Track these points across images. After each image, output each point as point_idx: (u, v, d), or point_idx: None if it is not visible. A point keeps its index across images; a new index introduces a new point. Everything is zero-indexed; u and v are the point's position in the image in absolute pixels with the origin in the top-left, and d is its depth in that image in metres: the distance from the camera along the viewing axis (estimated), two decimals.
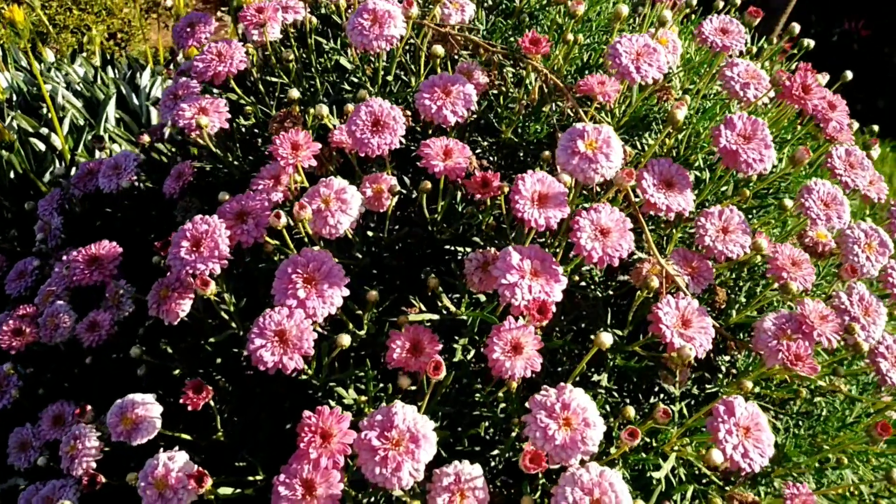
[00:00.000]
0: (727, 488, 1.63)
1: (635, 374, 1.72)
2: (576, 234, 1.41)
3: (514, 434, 1.58)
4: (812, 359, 1.44)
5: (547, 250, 1.48)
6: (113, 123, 4.07)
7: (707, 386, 1.74)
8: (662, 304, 1.50)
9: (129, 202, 2.28)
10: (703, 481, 1.69)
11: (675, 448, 1.61)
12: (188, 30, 2.09)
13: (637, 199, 1.57)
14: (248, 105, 1.92)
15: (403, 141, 1.84)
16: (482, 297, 1.65)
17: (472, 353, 1.70)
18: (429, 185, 1.57)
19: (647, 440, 1.69)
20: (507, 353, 1.37)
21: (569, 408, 1.35)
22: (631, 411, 1.45)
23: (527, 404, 1.38)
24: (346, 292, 1.47)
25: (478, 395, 1.57)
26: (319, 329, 1.60)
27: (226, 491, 1.58)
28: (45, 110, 4.15)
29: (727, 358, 1.82)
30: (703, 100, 2.05)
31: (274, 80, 2.00)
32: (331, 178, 1.55)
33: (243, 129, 1.95)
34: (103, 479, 1.67)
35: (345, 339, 1.44)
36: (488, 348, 1.38)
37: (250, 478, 1.67)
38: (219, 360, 1.74)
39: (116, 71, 4.83)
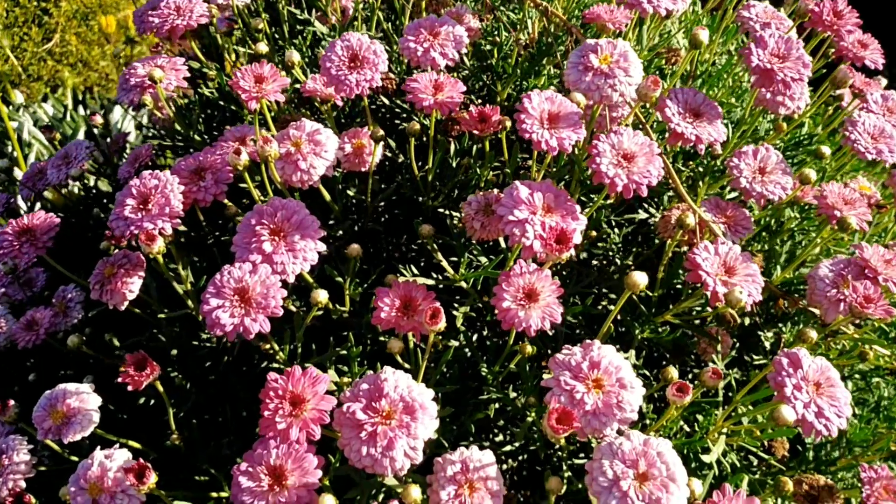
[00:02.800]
0: (787, 476, 1.35)
1: (667, 349, 1.46)
2: (594, 160, 1.18)
3: (529, 418, 1.30)
4: (884, 299, 1.19)
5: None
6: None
7: (754, 357, 1.48)
8: (699, 249, 1.26)
9: (82, 204, 2.04)
10: (754, 469, 1.41)
11: (724, 431, 1.34)
12: (150, 11, 1.90)
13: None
14: (212, 71, 1.71)
15: (387, 101, 1.63)
16: (484, 260, 1.40)
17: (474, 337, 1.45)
18: (417, 125, 1.34)
19: (691, 420, 1.42)
20: (519, 302, 1.11)
21: (598, 366, 1.10)
22: (673, 371, 1.18)
23: (547, 366, 1.12)
24: (322, 247, 1.22)
25: (484, 370, 1.30)
26: (293, 307, 1.34)
27: None
28: (10, 148, 3.96)
29: (770, 334, 1.57)
30: (716, 57, 1.87)
31: (241, 50, 1.80)
32: (302, 119, 1.33)
33: (206, 98, 1.73)
34: (32, 500, 1.37)
35: (321, 295, 1.18)
36: (496, 298, 1.13)
37: (213, 494, 1.38)
38: (174, 352, 1.47)
39: (87, 110, 4.66)
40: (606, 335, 1.22)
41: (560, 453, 1.28)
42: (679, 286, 1.55)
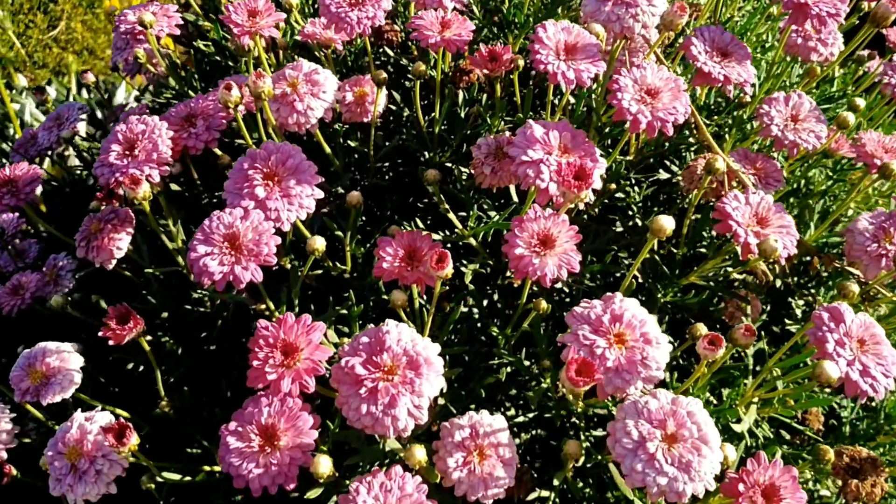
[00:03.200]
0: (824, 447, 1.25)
1: (693, 314, 1.36)
2: (615, 95, 1.08)
3: (544, 384, 1.21)
4: None
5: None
6: (84, 137, 3.79)
7: (787, 322, 1.37)
8: (729, 198, 1.16)
9: (76, 174, 1.96)
10: (788, 443, 1.30)
11: (754, 401, 1.24)
12: None
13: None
14: (208, 23, 1.62)
15: (391, 53, 1.54)
16: (495, 215, 1.30)
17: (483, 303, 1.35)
18: (422, 66, 1.25)
19: (717, 392, 1.32)
20: (533, 248, 1.02)
21: (621, 320, 1.00)
22: (702, 327, 1.08)
23: (566, 319, 1.03)
24: (320, 194, 1.13)
25: (495, 330, 1.21)
26: (290, 265, 1.25)
27: (173, 476, 1.19)
28: (12, 130, 3.90)
29: (801, 302, 1.47)
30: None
31: None
32: (300, 59, 1.23)
33: (203, 53, 1.64)
34: (13, 471, 1.29)
35: (318, 242, 1.09)
36: (508, 245, 1.03)
37: (206, 468, 1.29)
38: (165, 315, 1.38)
39: (91, 94, 4.59)
40: (627, 293, 1.12)
41: (578, 422, 1.18)
42: (704, 250, 1.45)
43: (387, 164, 1.52)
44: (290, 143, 1.20)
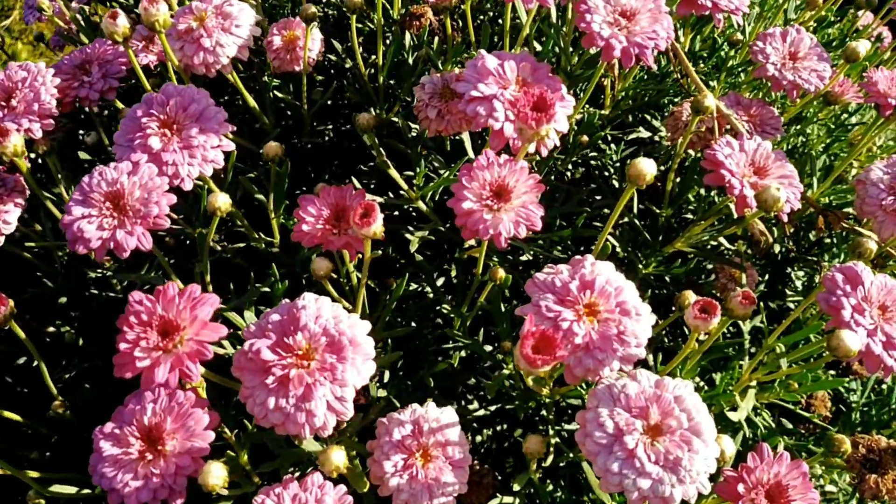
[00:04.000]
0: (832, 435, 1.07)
1: (680, 286, 1.18)
2: (584, 17, 0.89)
3: (505, 370, 1.02)
4: None
5: None
6: None
7: (787, 292, 1.20)
8: (720, 144, 0.98)
9: None
10: (789, 432, 1.12)
11: (752, 385, 1.06)
12: None
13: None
14: None
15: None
16: (446, 174, 1.11)
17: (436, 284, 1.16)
18: None
19: (708, 377, 1.14)
20: (485, 202, 0.83)
21: (593, 287, 0.81)
22: (691, 294, 0.90)
23: (526, 289, 0.84)
24: (230, 146, 0.93)
25: (446, 308, 1.02)
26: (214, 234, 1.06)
27: (65, 490, 1.00)
28: None
29: (801, 274, 1.29)
30: None
31: None
32: None
33: (122, 5, 1.44)
34: None
35: (219, 199, 0.89)
36: (455, 198, 0.84)
37: None
38: (63, 300, 1.18)
39: None
40: (601, 259, 0.94)
41: (546, 414, 0.99)
42: (691, 215, 1.27)
43: (329, 125, 1.32)
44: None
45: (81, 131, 1.32)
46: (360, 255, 0.89)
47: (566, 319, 0.79)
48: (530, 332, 0.69)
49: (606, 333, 0.80)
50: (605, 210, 1.15)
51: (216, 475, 0.72)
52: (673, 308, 0.94)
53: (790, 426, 1.15)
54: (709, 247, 1.16)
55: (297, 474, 1.01)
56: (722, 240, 1.25)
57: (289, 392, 0.75)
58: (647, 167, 0.82)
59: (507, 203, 0.82)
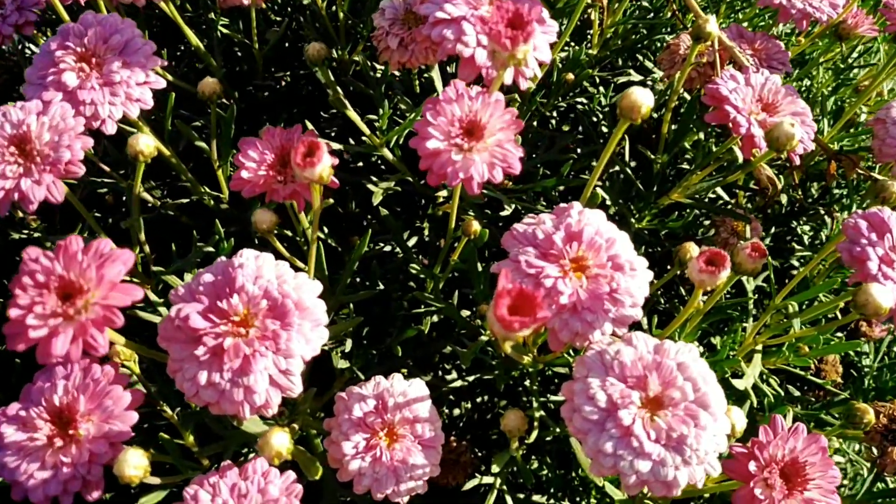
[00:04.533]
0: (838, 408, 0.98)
1: (674, 240, 1.07)
2: None
3: (483, 337, 0.90)
4: None
5: None
6: None
7: (796, 248, 1.09)
8: (724, 77, 0.86)
9: None
10: (797, 399, 1.02)
11: (757, 349, 0.95)
12: None
13: None
14: None
15: None
16: (412, 116, 0.99)
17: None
18: None
19: (707, 339, 1.04)
20: (453, 141, 0.70)
21: (580, 238, 0.70)
22: (692, 246, 0.79)
23: (503, 243, 0.72)
24: (160, 83, 0.80)
25: (415, 268, 0.90)
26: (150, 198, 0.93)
27: None
28: None
29: (807, 228, 1.18)
30: None
31: None
32: None
33: None
34: None
35: (141, 142, 0.76)
36: (418, 137, 0.72)
37: None
38: None
39: None
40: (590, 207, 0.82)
41: (529, 385, 0.89)
42: (687, 165, 1.15)
43: (287, 71, 1.19)
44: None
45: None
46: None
47: (550, 276, 0.68)
48: (505, 290, 0.57)
49: (597, 292, 0.68)
50: (594, 161, 1.03)
51: (133, 464, 0.61)
52: (669, 266, 0.82)
53: (796, 393, 1.05)
54: (706, 199, 1.04)
55: (250, 455, 0.90)
56: (720, 191, 1.14)
57: (223, 365, 0.63)
58: (642, 97, 0.70)
59: (479, 142, 0.70)
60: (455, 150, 0.70)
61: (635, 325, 0.74)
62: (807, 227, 1.17)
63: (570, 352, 0.91)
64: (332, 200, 0.71)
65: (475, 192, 0.71)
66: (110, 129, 0.78)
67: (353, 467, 0.73)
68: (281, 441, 0.63)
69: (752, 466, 0.71)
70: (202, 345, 0.64)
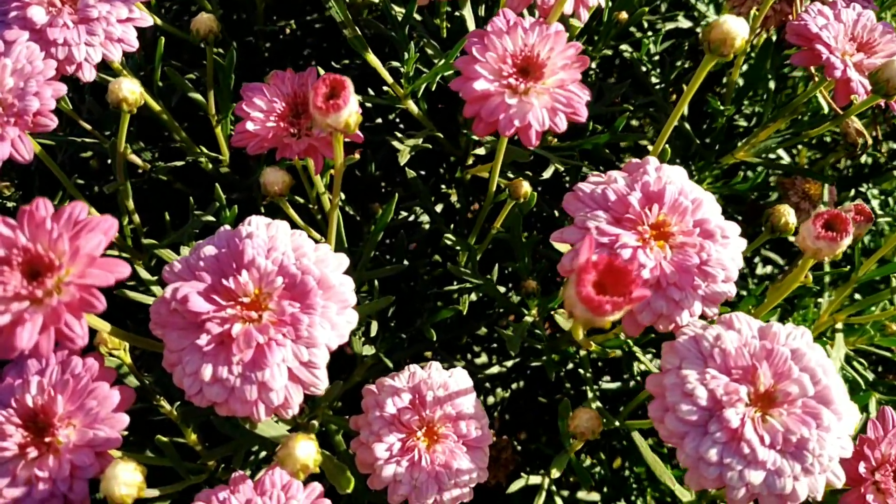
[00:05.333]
0: None
1: (741, 208, 0.95)
2: None
3: (528, 316, 0.78)
4: None
5: None
6: None
7: (878, 214, 0.97)
8: (811, 12, 0.73)
9: None
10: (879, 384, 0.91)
11: (838, 327, 0.84)
12: None
13: None
14: None
15: None
16: (440, 63, 0.86)
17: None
18: None
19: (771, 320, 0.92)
20: (505, 81, 0.58)
21: (661, 200, 0.58)
22: (786, 209, 0.67)
23: (564, 205, 0.60)
24: (146, 20, 0.67)
25: (450, 238, 0.77)
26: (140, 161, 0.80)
27: None
28: None
29: (876, 192, 1.06)
30: None
31: None
32: None
33: None
34: None
35: (124, 87, 0.63)
36: (463, 77, 0.59)
37: None
38: None
39: None
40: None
41: (583, 372, 0.77)
42: (744, 122, 1.03)
43: (290, 19, 1.05)
44: None
45: None
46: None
47: (627, 246, 0.56)
48: (591, 264, 0.45)
49: (684, 264, 0.56)
50: (649, 111, 0.91)
51: (124, 481, 0.49)
52: (762, 224, 0.70)
53: (870, 377, 0.94)
54: (777, 158, 0.92)
55: (262, 456, 0.78)
56: (781, 153, 1.02)
57: (232, 357, 0.52)
58: (737, 27, 0.57)
59: (538, 82, 0.58)
60: (508, 92, 0.58)
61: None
62: (876, 191, 1.04)
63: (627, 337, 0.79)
64: (357, 155, 0.58)
65: (533, 143, 0.58)
66: (88, 74, 0.65)
67: (387, 473, 0.61)
68: (307, 451, 0.51)
69: (861, 468, 0.60)
70: (205, 332, 0.52)
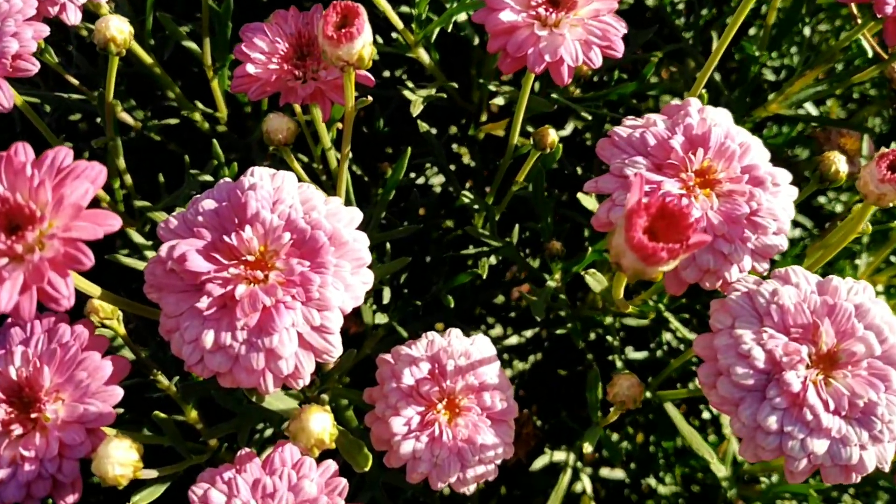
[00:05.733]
0: None
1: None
2: None
3: (551, 281, 0.73)
4: None
5: None
6: None
7: None
8: None
9: None
10: None
11: (879, 289, 0.79)
12: None
13: None
14: None
15: None
16: (453, 6, 0.80)
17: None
18: None
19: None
20: (535, 11, 0.52)
21: (706, 143, 0.52)
22: (836, 156, 0.61)
23: (598, 150, 0.54)
24: None
25: (467, 197, 0.72)
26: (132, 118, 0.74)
27: None
28: None
29: None
30: None
31: None
32: None
33: None
34: None
35: (114, 25, 0.57)
36: (488, 8, 0.53)
37: None
38: None
39: None
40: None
41: (611, 339, 0.72)
42: (772, 76, 0.97)
43: None
44: None
45: None
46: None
47: (669, 194, 0.51)
48: (641, 207, 0.40)
49: (732, 214, 0.51)
50: (677, 59, 0.85)
51: (118, 460, 0.44)
52: (817, 167, 0.64)
53: None
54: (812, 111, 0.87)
55: (267, 435, 0.73)
56: (808, 106, 0.96)
57: (236, 321, 0.46)
58: None
59: (570, 12, 0.52)
60: (537, 24, 0.52)
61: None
62: None
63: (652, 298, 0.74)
64: (370, 98, 0.53)
65: (565, 80, 0.53)
66: (72, 16, 0.60)
67: (405, 450, 0.57)
68: (322, 424, 0.46)
69: None
70: (206, 294, 0.47)
